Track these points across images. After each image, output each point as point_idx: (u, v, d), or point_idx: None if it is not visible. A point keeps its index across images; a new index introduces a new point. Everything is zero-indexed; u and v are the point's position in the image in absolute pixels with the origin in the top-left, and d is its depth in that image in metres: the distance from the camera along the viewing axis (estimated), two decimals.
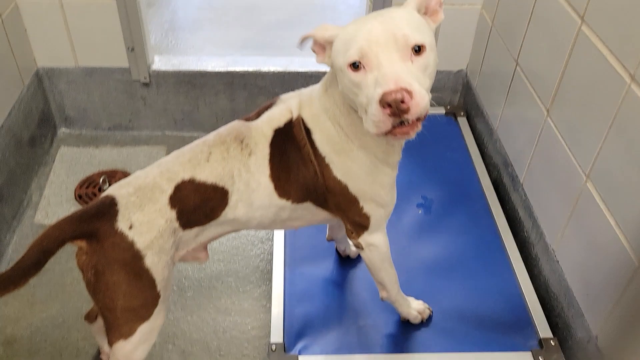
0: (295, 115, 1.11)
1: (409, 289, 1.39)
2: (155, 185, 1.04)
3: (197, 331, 1.50)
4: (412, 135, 0.94)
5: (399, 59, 0.91)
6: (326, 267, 1.48)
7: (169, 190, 1.04)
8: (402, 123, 0.91)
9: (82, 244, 1.00)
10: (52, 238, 0.97)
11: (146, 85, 2.02)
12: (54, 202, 1.85)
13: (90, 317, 1.32)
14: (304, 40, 1.04)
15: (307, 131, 1.09)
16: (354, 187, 1.11)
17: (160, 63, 2.02)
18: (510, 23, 1.67)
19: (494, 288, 1.43)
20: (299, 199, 1.13)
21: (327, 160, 1.09)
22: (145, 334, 1.07)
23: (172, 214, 1.04)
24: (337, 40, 0.99)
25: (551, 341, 1.32)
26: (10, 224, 1.73)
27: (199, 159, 1.07)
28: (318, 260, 1.49)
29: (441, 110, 2.01)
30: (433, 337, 1.33)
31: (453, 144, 1.88)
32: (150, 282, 1.03)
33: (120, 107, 2.08)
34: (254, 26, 2.51)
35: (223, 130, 1.12)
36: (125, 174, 1.96)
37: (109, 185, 1.91)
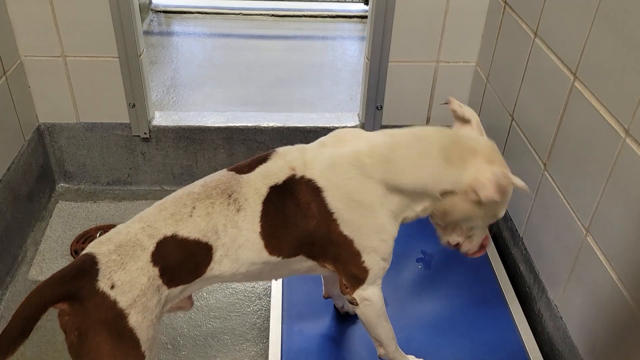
0: (299, 174, 1.08)
1: (408, 346, 1.36)
2: (137, 242, 1.01)
3: None
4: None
5: None
6: (324, 324, 1.44)
7: (151, 247, 1.01)
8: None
9: (64, 306, 0.98)
10: (33, 305, 0.95)
11: (146, 140, 2.04)
12: (49, 257, 1.83)
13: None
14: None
15: (316, 189, 1.07)
16: (360, 243, 1.09)
17: (160, 119, 2.05)
18: (505, 79, 1.71)
19: (496, 345, 1.39)
20: (291, 254, 1.11)
21: (336, 216, 1.07)
22: None
23: (155, 271, 1.01)
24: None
25: None
26: (3, 280, 1.71)
27: (182, 214, 1.05)
28: (316, 317, 1.46)
29: None
30: None
31: None
32: (135, 342, 1.00)
33: (119, 162, 2.10)
34: (254, 83, 2.56)
35: (210, 181, 1.10)
36: None
37: None
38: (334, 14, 3.24)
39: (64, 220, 1.98)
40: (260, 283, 1.76)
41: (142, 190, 2.13)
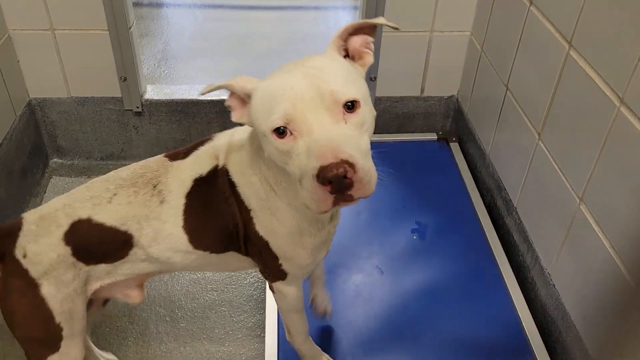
0: (221, 164, 1.01)
1: (403, 315, 1.38)
2: (55, 218, 1.02)
3: None
4: (356, 201, 0.81)
5: (330, 121, 0.79)
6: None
7: (65, 226, 1.01)
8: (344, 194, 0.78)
9: None
10: None
11: (139, 114, 2.03)
12: None
13: None
14: (215, 89, 0.92)
15: (232, 184, 1.00)
16: (275, 246, 1.03)
17: (152, 92, 2.03)
18: (500, 49, 1.70)
19: (490, 313, 1.41)
20: (219, 250, 1.07)
21: (252, 214, 1.01)
22: None
23: (67, 250, 1.01)
24: (256, 97, 0.86)
25: None
26: None
27: (101, 199, 1.03)
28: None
29: (433, 136, 2.02)
30: None
31: (446, 169, 1.89)
32: (47, 312, 1.01)
33: (112, 137, 2.08)
34: (246, 55, 2.53)
35: (139, 167, 1.06)
36: None
37: None
38: None
39: (58, 195, 1.97)
40: None
41: None
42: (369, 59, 0.92)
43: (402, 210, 1.70)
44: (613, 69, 1.12)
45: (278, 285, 1.11)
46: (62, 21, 1.81)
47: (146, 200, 1.02)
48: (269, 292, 1.46)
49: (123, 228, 1.02)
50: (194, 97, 2.02)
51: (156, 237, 1.03)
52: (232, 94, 0.93)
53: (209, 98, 2.01)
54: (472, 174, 1.87)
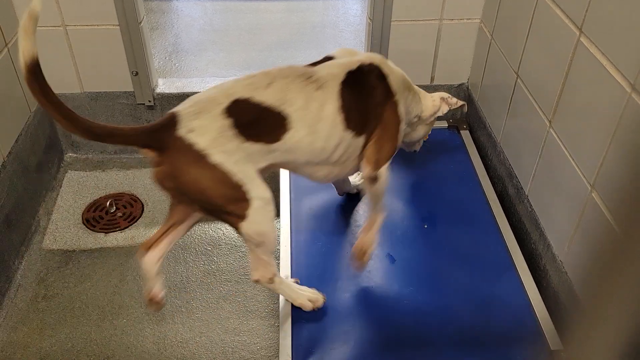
0: (367, 62, 1.32)
1: (414, 302, 1.39)
2: (213, 98, 1.16)
3: (206, 353, 1.50)
4: None
5: None
6: (334, 285, 1.48)
7: (225, 102, 1.15)
8: None
9: (152, 154, 1.14)
10: (128, 136, 1.13)
11: (151, 108, 2.05)
12: (61, 226, 1.86)
13: (145, 246, 1.35)
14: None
15: (382, 76, 1.32)
16: (402, 123, 1.38)
17: (164, 86, 2.05)
18: (510, 36, 1.69)
19: (502, 301, 1.42)
20: (359, 132, 1.29)
21: (397, 97, 1.34)
22: (258, 210, 1.18)
23: (227, 121, 1.14)
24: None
25: (562, 353, 1.30)
26: (18, 249, 1.74)
27: (257, 85, 1.19)
28: (326, 278, 1.49)
29: (444, 124, 2.01)
30: (441, 351, 1.32)
31: (456, 157, 1.88)
32: (223, 173, 1.13)
33: None
34: (256, 47, 2.54)
35: (285, 67, 1.25)
36: (132, 197, 1.97)
37: (116, 208, 1.92)
38: None
39: (74, 189, 2.00)
40: None
41: (149, 158, 2.14)
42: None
43: (412, 199, 1.70)
44: (624, 55, 1.12)
45: (383, 170, 1.36)
46: (73, 17, 1.83)
47: (302, 87, 1.22)
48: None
49: (279, 109, 1.18)
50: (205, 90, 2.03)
51: (314, 118, 1.21)
52: None
53: None
54: (483, 162, 1.87)
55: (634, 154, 1.02)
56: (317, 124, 1.22)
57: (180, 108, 1.16)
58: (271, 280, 1.31)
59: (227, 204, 1.17)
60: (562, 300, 1.40)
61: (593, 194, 1.24)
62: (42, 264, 1.73)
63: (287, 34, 2.64)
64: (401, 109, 1.36)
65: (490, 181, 1.79)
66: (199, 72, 2.34)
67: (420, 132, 1.61)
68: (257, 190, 1.18)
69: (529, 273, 1.49)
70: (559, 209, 1.41)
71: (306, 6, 2.94)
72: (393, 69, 1.37)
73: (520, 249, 1.56)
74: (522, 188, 1.63)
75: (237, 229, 1.20)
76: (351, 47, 2.53)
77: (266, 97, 1.18)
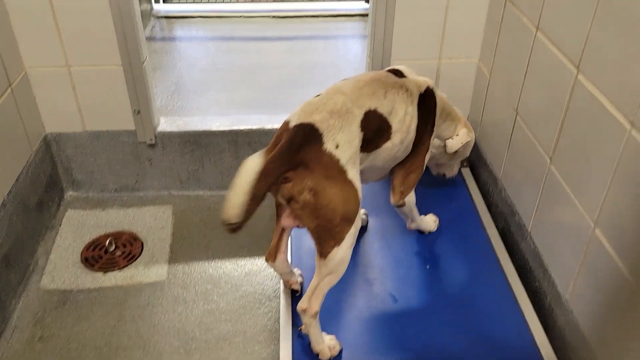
0: (431, 86, 1.45)
1: (419, 343, 1.36)
2: (348, 110, 1.21)
3: None
4: None
5: None
6: (335, 324, 1.45)
7: (360, 115, 1.23)
8: None
9: (288, 174, 1.13)
10: (263, 184, 1.08)
11: (152, 146, 2.06)
12: (60, 266, 1.84)
13: (271, 256, 1.42)
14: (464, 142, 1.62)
15: (435, 104, 1.46)
16: (429, 153, 1.50)
17: (166, 124, 2.06)
18: (508, 74, 1.70)
19: (507, 341, 1.39)
20: (413, 144, 1.42)
21: (435, 127, 1.49)
22: (352, 236, 1.22)
23: (361, 135, 1.22)
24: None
25: None
26: (16, 289, 1.72)
27: (378, 95, 1.28)
28: (326, 319, 1.46)
29: None
30: None
31: (458, 195, 1.88)
32: (355, 191, 1.20)
33: (126, 169, 2.11)
34: (258, 86, 2.57)
35: (384, 75, 1.36)
36: (132, 235, 1.96)
37: (116, 246, 1.90)
38: (335, 13, 3.24)
39: (74, 228, 1.99)
40: (270, 285, 1.77)
41: (149, 195, 2.14)
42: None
43: (414, 237, 1.69)
44: (622, 92, 1.12)
45: (408, 197, 1.52)
46: (77, 58, 1.86)
47: (405, 99, 1.34)
48: (283, 322, 1.45)
49: (388, 119, 1.30)
50: (206, 128, 2.04)
51: (408, 129, 1.35)
52: None
53: (220, 128, 2.04)
54: (484, 199, 1.86)
55: (635, 189, 1.01)
56: (407, 136, 1.36)
57: (313, 119, 1.17)
58: (314, 316, 1.30)
59: (342, 223, 1.19)
60: (568, 340, 1.37)
61: (596, 231, 1.23)
62: (39, 304, 1.70)
63: (288, 73, 2.68)
64: (433, 139, 1.50)
65: (492, 218, 1.78)
66: (201, 111, 2.36)
67: (444, 159, 1.73)
68: (358, 220, 1.23)
69: (534, 312, 1.47)
70: (563, 246, 1.39)
71: (307, 46, 2.98)
72: (441, 97, 1.50)
73: (524, 287, 1.54)
74: (524, 225, 1.62)
75: (327, 254, 1.21)
76: None
77: (385, 107, 1.28)
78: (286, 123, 1.23)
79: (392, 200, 1.51)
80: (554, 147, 1.41)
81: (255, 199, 1.08)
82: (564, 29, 1.35)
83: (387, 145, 1.33)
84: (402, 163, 1.46)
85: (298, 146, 1.13)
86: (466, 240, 1.69)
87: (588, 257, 1.27)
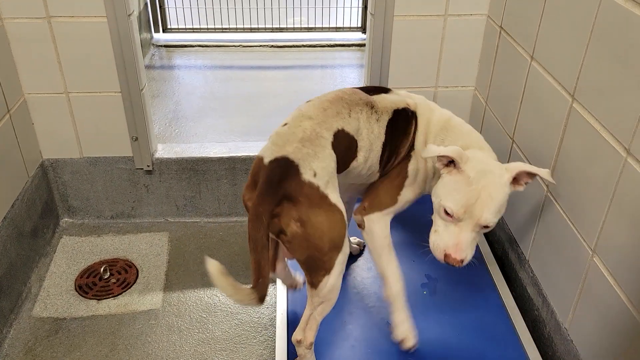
0: (412, 107, 1.38)
1: None
2: (318, 135, 1.21)
3: None
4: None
5: (471, 229, 1.22)
6: (332, 354, 1.43)
7: (330, 138, 1.23)
8: None
9: (275, 210, 1.14)
10: (261, 230, 1.12)
11: (149, 172, 2.05)
12: (53, 293, 1.82)
13: (272, 267, 1.40)
14: (438, 155, 1.24)
15: (415, 127, 1.37)
16: (409, 182, 1.37)
17: (163, 151, 2.06)
18: (504, 103, 1.72)
19: None
20: (382, 170, 1.37)
21: (413, 153, 1.37)
22: (341, 263, 1.22)
23: (334, 155, 1.22)
24: (454, 179, 1.23)
25: None
26: (7, 317, 1.69)
27: (343, 114, 1.27)
28: (323, 346, 1.44)
29: None
30: None
31: None
32: (340, 213, 1.19)
33: (123, 195, 2.10)
34: (256, 114, 2.59)
35: (349, 91, 1.33)
36: (127, 262, 1.94)
37: (110, 274, 1.88)
38: (332, 43, 3.28)
39: (68, 255, 1.97)
40: (266, 313, 1.75)
41: (145, 222, 2.13)
42: (520, 189, 1.28)
43: (412, 265, 1.67)
44: (618, 120, 1.13)
45: (369, 217, 1.38)
46: (76, 84, 1.87)
47: (369, 117, 1.31)
48: (279, 352, 1.43)
49: (355, 137, 1.29)
50: (203, 155, 2.05)
51: (370, 147, 1.31)
52: (445, 157, 1.25)
53: (218, 155, 2.04)
54: None
55: (632, 216, 1.01)
56: (370, 154, 1.32)
57: (289, 150, 1.17)
58: (309, 347, 1.30)
59: (331, 251, 1.19)
60: None
61: (594, 259, 1.22)
62: (30, 333, 1.67)
63: (285, 101, 2.70)
64: (411, 167, 1.37)
65: (490, 247, 1.77)
66: (199, 138, 2.37)
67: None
68: (346, 246, 1.23)
69: (532, 341, 1.45)
70: (562, 274, 1.38)
71: (304, 75, 3.02)
72: (435, 120, 1.39)
73: (524, 316, 1.52)
74: (522, 253, 1.61)
75: (318, 284, 1.21)
76: None
77: (350, 126, 1.27)
78: (260, 159, 1.19)
79: (355, 211, 1.41)
80: (550, 174, 1.41)
81: (264, 247, 1.12)
82: (558, 58, 1.37)
83: (354, 164, 1.31)
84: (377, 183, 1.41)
85: (277, 182, 1.13)
86: (464, 269, 1.67)
87: (587, 285, 1.26)
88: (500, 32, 1.73)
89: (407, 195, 1.40)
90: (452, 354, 1.41)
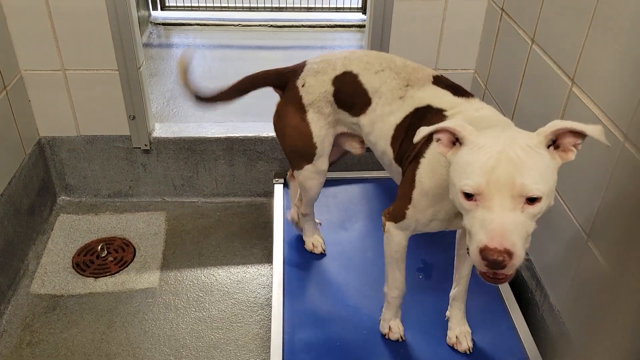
0: (448, 113, 1.17)
1: (411, 354, 1.35)
2: (333, 64, 1.35)
3: None
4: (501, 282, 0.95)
5: (510, 207, 0.90)
6: (327, 333, 1.44)
7: (338, 71, 1.34)
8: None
9: (279, 92, 1.43)
10: (260, 78, 1.45)
11: (147, 152, 2.05)
12: (50, 270, 1.83)
13: (291, 177, 1.66)
14: (433, 131, 1.00)
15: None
16: (418, 189, 1.16)
17: (160, 130, 2.06)
18: (503, 86, 1.71)
19: (499, 352, 1.38)
20: (397, 159, 1.28)
21: (426, 155, 1.15)
22: (311, 172, 1.44)
23: (331, 89, 1.34)
24: (462, 153, 0.96)
25: None
26: (5, 294, 1.70)
27: (370, 67, 1.32)
28: (318, 326, 1.46)
29: None
30: None
31: None
32: (309, 133, 1.37)
33: (120, 174, 2.10)
34: (253, 94, 2.56)
35: (410, 65, 1.32)
36: (124, 241, 1.94)
37: (108, 252, 1.89)
38: (332, 23, 3.25)
39: (66, 233, 1.98)
40: (262, 293, 1.76)
41: (143, 202, 2.13)
42: (571, 156, 0.98)
43: (408, 249, 1.68)
44: (616, 104, 1.13)
45: (388, 225, 1.28)
46: (73, 62, 1.86)
47: (395, 89, 1.28)
48: (274, 331, 1.44)
49: (370, 95, 1.31)
50: (201, 135, 2.04)
51: (378, 119, 1.30)
52: (446, 132, 1.00)
53: (215, 135, 2.04)
54: None
55: (628, 201, 1.01)
56: (376, 123, 1.31)
57: (311, 60, 1.39)
58: (304, 215, 1.60)
59: (292, 155, 1.44)
60: (560, 351, 1.36)
61: (589, 243, 1.23)
62: (28, 309, 1.68)
63: None
64: (422, 170, 1.16)
65: None
66: (196, 118, 2.35)
67: None
68: (318, 162, 1.42)
69: (525, 323, 1.46)
70: (556, 258, 1.39)
71: (304, 55, 2.96)
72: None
73: (518, 298, 1.53)
74: None
75: (294, 170, 1.48)
76: None
77: (367, 80, 1.31)
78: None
79: (383, 211, 1.31)
80: (603, 133, 1.41)
81: (251, 85, 1.47)
82: (559, 42, 1.36)
83: (362, 119, 1.33)
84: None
85: (286, 72, 1.40)
86: None
87: (580, 269, 1.27)
88: (501, 14, 1.71)
89: (416, 214, 1.19)
90: (445, 335, 1.43)
